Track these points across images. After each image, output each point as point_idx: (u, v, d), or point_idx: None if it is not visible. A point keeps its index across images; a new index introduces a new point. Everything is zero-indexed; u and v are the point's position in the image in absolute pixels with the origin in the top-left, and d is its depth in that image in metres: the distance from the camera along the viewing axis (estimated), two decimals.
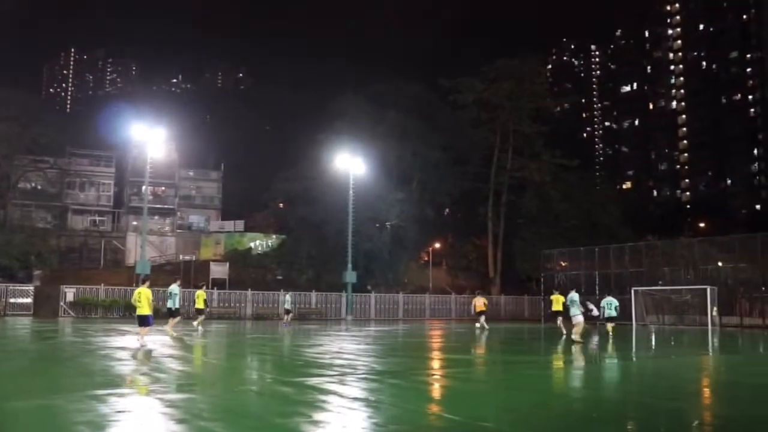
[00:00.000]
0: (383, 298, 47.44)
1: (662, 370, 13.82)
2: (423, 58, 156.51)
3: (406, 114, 53.04)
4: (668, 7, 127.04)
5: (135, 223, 56.84)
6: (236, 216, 62.59)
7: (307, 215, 51.43)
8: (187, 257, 54.47)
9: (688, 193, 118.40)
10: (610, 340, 22.59)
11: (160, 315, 33.47)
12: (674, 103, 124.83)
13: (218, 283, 44.64)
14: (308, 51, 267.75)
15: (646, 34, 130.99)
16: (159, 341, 17.86)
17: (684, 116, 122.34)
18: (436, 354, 17.30)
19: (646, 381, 11.93)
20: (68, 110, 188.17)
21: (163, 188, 60.99)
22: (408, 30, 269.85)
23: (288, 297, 36.62)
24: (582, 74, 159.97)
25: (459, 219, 66.23)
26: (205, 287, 26.65)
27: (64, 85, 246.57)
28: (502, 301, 52.81)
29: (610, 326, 25.94)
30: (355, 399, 8.11)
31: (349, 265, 42.41)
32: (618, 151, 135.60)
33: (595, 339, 23.14)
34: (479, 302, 30.68)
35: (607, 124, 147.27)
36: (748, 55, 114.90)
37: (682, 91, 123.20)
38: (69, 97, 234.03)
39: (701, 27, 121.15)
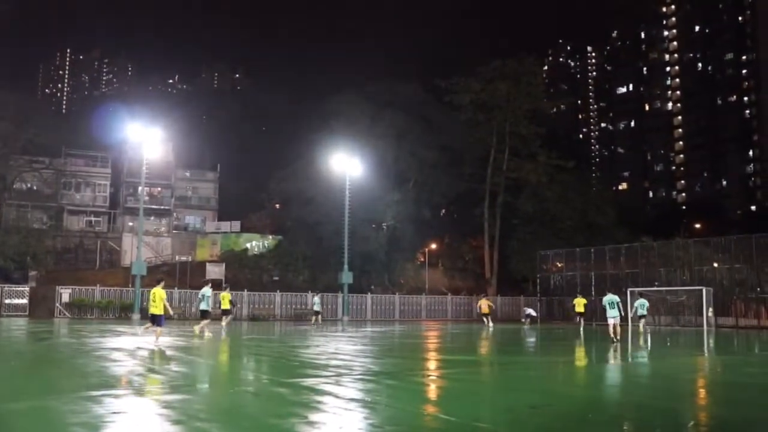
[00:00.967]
0: (380, 299, 47.46)
1: (658, 370, 13.84)
2: (420, 58, 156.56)
3: (402, 114, 53.07)
4: (664, 9, 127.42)
5: (131, 223, 56.74)
6: (232, 217, 62.49)
7: (303, 216, 51.43)
8: (183, 258, 54.37)
9: (683, 194, 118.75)
10: (641, 339, 24.46)
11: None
12: (670, 105, 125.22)
13: (214, 284, 44.52)
14: (305, 51, 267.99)
15: (642, 35, 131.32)
16: (155, 342, 17.82)
17: (679, 117, 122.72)
18: (432, 355, 17.29)
19: (641, 381, 11.95)
20: (64, 110, 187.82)
21: (159, 189, 60.87)
22: (405, 31, 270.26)
23: (317, 299, 37.26)
24: (578, 75, 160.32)
25: (455, 220, 66.30)
26: (229, 288, 27.03)
27: (60, 85, 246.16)
28: (498, 301, 52.78)
29: (641, 325, 29.47)
30: (352, 400, 8.10)
31: (345, 266, 42.41)
32: (614, 152, 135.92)
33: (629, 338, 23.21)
34: (484, 304, 33.47)
35: (603, 125, 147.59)
36: (744, 57, 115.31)
37: (678, 92, 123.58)
38: (65, 98, 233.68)
39: (697, 28, 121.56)
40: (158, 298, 16.57)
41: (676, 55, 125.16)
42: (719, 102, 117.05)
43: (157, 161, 48.60)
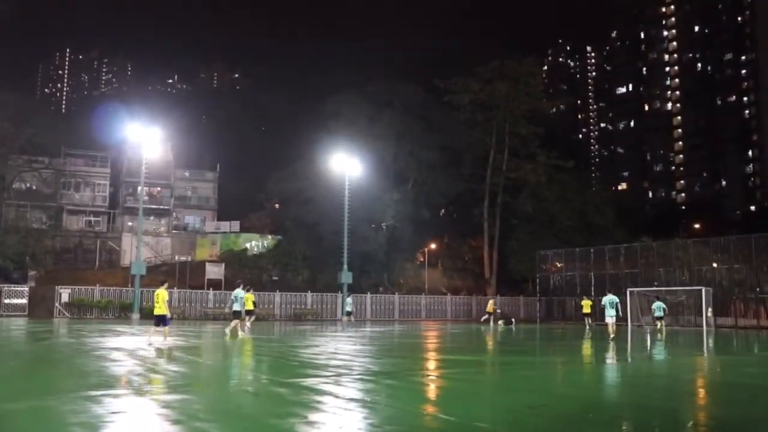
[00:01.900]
0: (379, 299, 47.45)
1: (657, 370, 13.84)
2: (419, 58, 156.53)
3: (401, 114, 53.06)
4: (663, 9, 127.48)
5: (130, 223, 56.70)
6: (232, 216, 62.47)
7: (302, 216, 51.41)
8: (183, 258, 54.33)
9: (683, 194, 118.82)
10: (660, 338, 25.62)
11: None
12: (669, 105, 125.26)
13: (213, 284, 44.56)
14: (304, 52, 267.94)
15: (642, 35, 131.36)
16: (155, 342, 17.82)
17: (679, 117, 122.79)
18: (431, 354, 17.29)
19: (641, 381, 11.95)
20: (63, 110, 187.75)
21: (159, 189, 60.85)
22: (404, 31, 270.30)
23: (349, 299, 37.80)
24: (577, 75, 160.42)
25: (455, 220, 66.31)
26: (251, 289, 27.11)
27: (59, 85, 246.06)
28: (498, 301, 52.81)
29: (660, 325, 30.61)
30: (351, 400, 8.10)
31: (345, 266, 42.40)
32: (613, 152, 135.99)
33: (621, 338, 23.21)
34: (489, 305, 37.87)
35: (602, 125, 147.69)
36: (743, 57, 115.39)
37: (677, 92, 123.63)
38: (64, 98, 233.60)
39: (696, 29, 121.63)
40: (161, 299, 16.92)
41: (675, 56, 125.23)
42: (718, 102, 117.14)
43: (156, 161, 48.62)
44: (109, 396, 7.91)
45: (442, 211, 65.61)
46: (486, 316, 38.95)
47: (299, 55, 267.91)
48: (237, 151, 75.26)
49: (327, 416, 6.89)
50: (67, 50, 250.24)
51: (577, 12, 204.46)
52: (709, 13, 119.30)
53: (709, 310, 36.94)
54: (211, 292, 41.94)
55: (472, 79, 57.93)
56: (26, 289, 38.63)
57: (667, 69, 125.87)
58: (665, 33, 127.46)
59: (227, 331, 21.60)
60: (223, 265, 48.68)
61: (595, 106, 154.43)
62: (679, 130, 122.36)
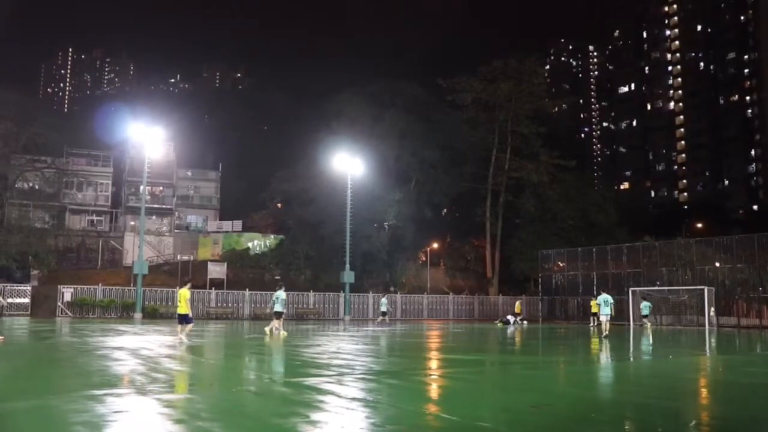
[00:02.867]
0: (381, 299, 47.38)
1: (660, 370, 13.83)
2: (421, 58, 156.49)
3: (404, 114, 53.05)
4: (666, 8, 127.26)
5: (133, 223, 56.74)
6: (234, 216, 62.51)
7: (304, 215, 51.42)
8: (185, 257, 54.40)
9: (685, 194, 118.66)
10: (644, 337, 26.04)
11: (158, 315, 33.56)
12: (672, 104, 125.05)
13: (216, 284, 44.59)
14: (306, 51, 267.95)
15: (644, 35, 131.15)
16: (159, 341, 17.85)
17: (681, 117, 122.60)
18: (433, 354, 17.29)
19: (643, 381, 11.94)
20: (66, 110, 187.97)
21: (161, 188, 60.88)
22: (406, 30, 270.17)
23: (384, 300, 39.14)
24: (580, 75, 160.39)
25: (457, 219, 66.28)
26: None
27: (61, 84, 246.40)
28: (500, 301, 52.82)
29: (646, 324, 32.22)
30: (353, 399, 8.10)
31: (347, 266, 42.40)
32: (615, 151, 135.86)
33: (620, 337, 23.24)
34: (517, 306, 40.33)
35: (604, 124, 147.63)
36: (746, 56, 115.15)
37: (680, 91, 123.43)
38: (67, 97, 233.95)
39: (699, 28, 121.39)
40: (183, 299, 17.59)
41: (678, 55, 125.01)
42: (721, 101, 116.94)
43: (158, 160, 48.60)
44: (111, 395, 7.92)
45: (445, 210, 65.59)
46: (510, 317, 40.14)
47: (301, 54, 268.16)
48: (239, 151, 75.19)
49: (329, 416, 6.89)
50: (70, 50, 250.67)
51: (580, 11, 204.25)
52: (711, 12, 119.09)
53: (712, 309, 36.89)
54: (213, 291, 41.98)
55: (475, 79, 57.88)
56: (29, 288, 38.71)
57: (670, 68, 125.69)
58: (668, 32, 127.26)
59: (267, 330, 22.15)
60: (226, 264, 48.71)
61: (597, 106, 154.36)
62: (682, 130, 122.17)
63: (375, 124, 52.07)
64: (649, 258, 44.14)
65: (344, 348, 17.26)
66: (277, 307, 22.40)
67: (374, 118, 52.28)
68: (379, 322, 37.41)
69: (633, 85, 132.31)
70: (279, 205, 62.79)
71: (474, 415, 7.26)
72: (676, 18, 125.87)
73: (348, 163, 43.31)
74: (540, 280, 50.05)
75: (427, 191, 54.80)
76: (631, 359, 16.84)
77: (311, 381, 9.85)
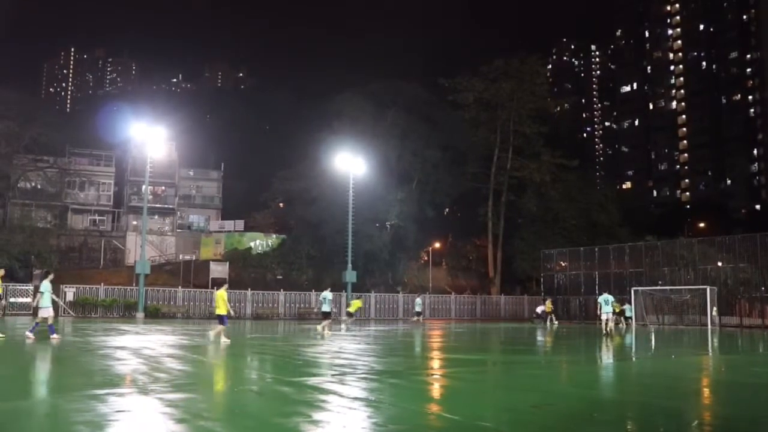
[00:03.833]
0: (383, 298, 47.40)
1: (662, 369, 13.81)
2: (423, 57, 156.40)
3: (405, 113, 53.04)
4: (668, 8, 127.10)
5: (135, 222, 56.79)
6: (236, 216, 62.50)
7: (307, 215, 51.44)
8: (187, 257, 54.45)
9: (687, 193, 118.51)
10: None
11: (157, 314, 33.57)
12: (674, 103, 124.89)
13: (218, 283, 44.51)
14: (308, 50, 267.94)
15: (646, 34, 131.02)
16: (161, 341, 17.86)
17: (684, 116, 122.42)
18: (435, 354, 17.28)
19: (646, 381, 11.92)
20: (68, 109, 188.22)
21: (163, 188, 60.93)
22: (407, 30, 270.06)
23: (419, 300, 40.57)
24: (582, 74, 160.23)
25: (459, 219, 66.25)
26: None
27: (64, 84, 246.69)
28: (502, 301, 52.82)
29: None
30: (355, 399, 8.10)
31: (349, 265, 42.39)
32: (618, 151, 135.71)
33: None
34: (547, 304, 40.49)
35: (606, 124, 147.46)
36: (748, 56, 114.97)
37: (682, 91, 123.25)
38: (69, 97, 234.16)
39: (701, 27, 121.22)
40: (220, 300, 18.36)
41: (680, 54, 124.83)
42: (723, 101, 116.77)
43: (161, 160, 48.64)
44: (113, 395, 7.93)
45: (447, 210, 65.56)
46: (541, 314, 40.90)
47: (302, 54, 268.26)
48: (241, 151, 75.17)
49: (331, 415, 6.89)
50: (72, 49, 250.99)
51: (582, 11, 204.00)
52: (713, 12, 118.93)
53: (714, 309, 36.85)
54: (215, 291, 41.96)
55: (477, 78, 57.88)
56: (31, 288, 38.72)
57: (672, 67, 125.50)
58: (670, 31, 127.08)
59: (319, 328, 22.78)
60: (228, 264, 48.74)
61: (599, 105, 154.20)
62: (684, 129, 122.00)
63: (376, 123, 52.08)
64: (651, 258, 44.11)
65: (346, 347, 17.25)
66: (325, 308, 23.18)
67: (376, 117, 52.29)
68: (414, 321, 38.36)
69: (635, 85, 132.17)
70: (281, 204, 62.82)
71: (476, 415, 7.26)
72: (678, 17, 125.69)
73: (350, 163, 43.28)
74: (542, 279, 50.06)
75: (429, 191, 54.80)
76: (633, 359, 16.82)
77: (313, 380, 9.86)
